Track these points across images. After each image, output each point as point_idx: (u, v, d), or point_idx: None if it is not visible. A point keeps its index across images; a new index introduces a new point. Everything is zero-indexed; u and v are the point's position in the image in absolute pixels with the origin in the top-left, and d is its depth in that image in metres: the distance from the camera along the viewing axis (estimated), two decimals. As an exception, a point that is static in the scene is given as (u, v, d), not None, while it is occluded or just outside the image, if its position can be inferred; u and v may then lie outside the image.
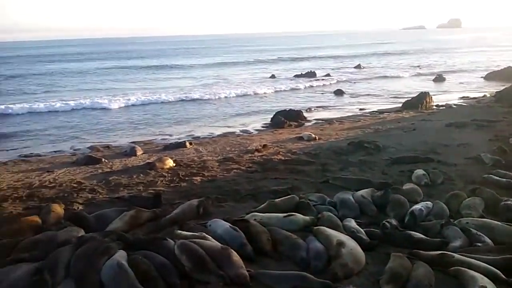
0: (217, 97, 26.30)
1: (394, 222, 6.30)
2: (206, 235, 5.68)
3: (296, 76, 37.67)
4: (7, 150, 14.80)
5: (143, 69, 48.03)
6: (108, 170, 10.78)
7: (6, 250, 5.46)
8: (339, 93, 27.19)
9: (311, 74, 37.27)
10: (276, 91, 29.06)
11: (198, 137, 15.82)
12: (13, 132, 17.64)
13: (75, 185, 9.35)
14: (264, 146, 12.61)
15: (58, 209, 7.27)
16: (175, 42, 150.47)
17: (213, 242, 5.43)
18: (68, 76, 41.84)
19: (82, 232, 6.02)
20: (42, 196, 8.60)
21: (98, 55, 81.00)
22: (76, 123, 19.31)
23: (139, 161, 11.62)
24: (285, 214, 6.46)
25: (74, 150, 14.43)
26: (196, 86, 31.89)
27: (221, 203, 7.76)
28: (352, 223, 6.29)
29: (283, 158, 11.11)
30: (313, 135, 13.86)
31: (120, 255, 4.96)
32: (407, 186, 8.06)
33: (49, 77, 41.42)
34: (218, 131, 16.93)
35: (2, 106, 22.83)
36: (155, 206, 7.37)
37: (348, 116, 19.23)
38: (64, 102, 24.47)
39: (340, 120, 18.26)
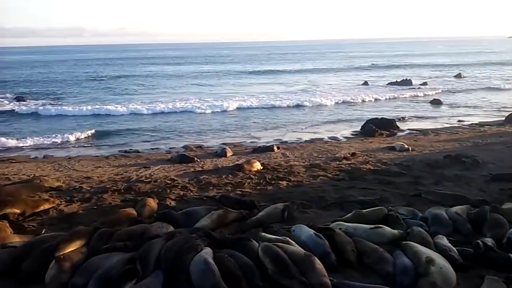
0: (306, 104, 26.24)
1: (489, 242, 5.85)
2: (290, 240, 5.69)
3: (390, 83, 36.51)
4: (110, 146, 16.03)
5: (236, 74, 49.25)
6: (200, 169, 11.21)
7: (104, 238, 5.87)
8: (436, 103, 25.91)
9: (406, 82, 35.91)
10: (367, 99, 28.32)
11: (286, 142, 15.91)
12: (116, 130, 19.02)
13: (168, 181, 9.84)
14: (353, 154, 12.38)
15: (153, 203, 7.70)
16: (268, 48, 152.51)
17: (296, 248, 5.42)
18: (165, 79, 44.09)
19: (171, 228, 6.31)
20: (138, 190, 9.15)
21: (195, 59, 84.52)
22: (172, 124, 20.35)
23: (229, 162, 11.95)
24: (372, 226, 6.28)
25: (169, 148, 15.24)
26: (286, 92, 32.09)
27: (306, 209, 7.73)
28: (444, 240, 5.94)
29: (372, 168, 10.82)
30: (406, 146, 13.33)
31: (207, 252, 5.13)
32: (508, 205, 7.44)
33: (150, 79, 43.98)
34: (306, 137, 16.91)
35: (109, 107, 24.76)
36: (245, 208, 7.51)
37: (445, 128, 18.24)
38: (162, 104, 25.84)
39: (436, 131, 17.37)
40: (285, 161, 11.94)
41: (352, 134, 17.45)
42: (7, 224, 6.84)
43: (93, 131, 18.29)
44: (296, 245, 5.53)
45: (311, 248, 5.53)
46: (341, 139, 16.42)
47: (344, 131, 18.09)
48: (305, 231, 5.99)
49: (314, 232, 5.88)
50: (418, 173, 10.24)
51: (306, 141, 16.12)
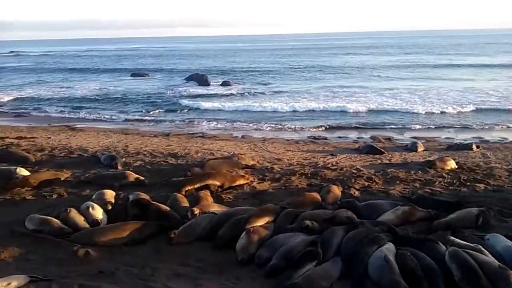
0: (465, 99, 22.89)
1: None
2: (482, 249, 5.19)
3: None
4: (299, 130, 16.76)
5: (425, 67, 43.50)
6: (387, 162, 10.94)
7: (290, 218, 6.22)
8: None
9: None
10: None
11: (487, 141, 14.39)
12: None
13: (354, 171, 9.84)
14: None
15: (337, 190, 7.81)
16: (480, 37, 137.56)
17: (489, 258, 4.93)
18: (362, 70, 42.12)
19: (354, 217, 6.33)
20: (324, 176, 9.37)
21: (388, 48, 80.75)
22: (368, 120, 19.05)
23: (419, 158, 11.38)
24: None
25: (357, 138, 15.21)
26: (485, 89, 27.82)
27: (505, 217, 6.88)
28: None
29: None
30: None
31: (389, 248, 5.04)
32: None
33: (347, 69, 43.13)
34: (512, 137, 15.02)
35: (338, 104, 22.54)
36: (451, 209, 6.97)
37: None
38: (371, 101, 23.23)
39: None
40: (484, 162, 10.83)
41: None
42: (209, 194, 7.78)
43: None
44: (490, 256, 5.02)
45: (507, 261, 4.96)
46: (557, 143, 14.13)
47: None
48: (502, 241, 5.39)
49: (513, 244, 5.25)
50: None
51: (512, 141, 14.33)
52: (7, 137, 13.88)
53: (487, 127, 17.06)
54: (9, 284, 4.70)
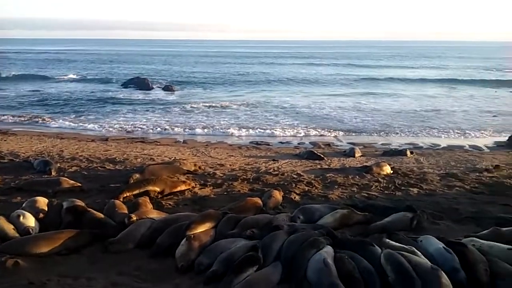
0: (445, 108, 24.28)
1: None
2: (416, 250, 5.39)
3: None
4: (243, 136, 16.82)
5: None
6: (326, 167, 11.19)
7: (231, 224, 6.19)
8: None
9: None
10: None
11: (421, 148, 15.12)
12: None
13: (295, 176, 9.98)
14: (496, 166, 11.28)
15: (278, 195, 7.89)
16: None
17: (422, 259, 5.12)
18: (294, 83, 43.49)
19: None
20: (265, 181, 9.44)
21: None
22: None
23: (357, 163, 11.73)
24: (511, 247, 5.67)
25: (298, 143, 15.49)
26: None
27: (437, 220, 7.22)
28: None
29: (518, 184, 9.73)
30: None
31: (327, 251, 5.11)
32: None
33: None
34: (444, 143, 15.86)
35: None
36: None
37: None
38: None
39: None
40: (418, 167, 11.34)
41: (498, 145, 15.89)
42: (148, 200, 7.59)
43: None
44: (422, 257, 5.22)
45: (438, 262, 5.17)
46: (483, 149, 15.08)
47: (488, 141, 16.57)
48: (434, 243, 5.62)
49: (444, 245, 5.49)
50: None
51: (443, 147, 15.13)
52: None
53: (420, 133, 17.91)
54: None
